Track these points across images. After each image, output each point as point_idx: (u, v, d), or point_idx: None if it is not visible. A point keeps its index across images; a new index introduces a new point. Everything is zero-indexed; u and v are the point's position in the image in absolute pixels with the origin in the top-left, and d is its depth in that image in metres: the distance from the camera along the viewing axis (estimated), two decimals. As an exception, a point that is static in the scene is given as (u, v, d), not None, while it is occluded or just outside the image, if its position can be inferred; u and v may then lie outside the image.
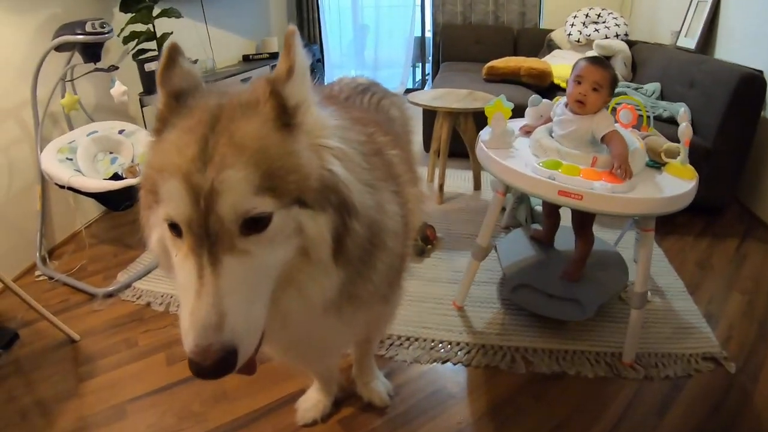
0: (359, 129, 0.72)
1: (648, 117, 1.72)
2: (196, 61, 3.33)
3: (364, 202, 0.61)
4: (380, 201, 0.65)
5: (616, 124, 1.54)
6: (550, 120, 1.60)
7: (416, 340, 1.66)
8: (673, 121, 2.54)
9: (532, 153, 1.52)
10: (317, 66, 4.86)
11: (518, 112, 1.70)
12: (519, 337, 1.67)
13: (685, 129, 1.43)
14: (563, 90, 3.43)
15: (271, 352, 0.84)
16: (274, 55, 4.16)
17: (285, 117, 0.56)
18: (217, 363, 0.48)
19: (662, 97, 2.87)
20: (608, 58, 3.61)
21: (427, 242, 2.15)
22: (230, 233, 0.51)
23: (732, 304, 1.88)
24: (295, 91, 0.57)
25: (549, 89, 3.36)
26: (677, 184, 1.39)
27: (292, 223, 0.55)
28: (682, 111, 1.47)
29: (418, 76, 5.34)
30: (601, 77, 1.41)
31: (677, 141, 1.47)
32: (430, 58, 5.04)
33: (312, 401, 1.31)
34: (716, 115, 2.31)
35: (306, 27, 5.06)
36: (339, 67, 5.31)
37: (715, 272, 2.10)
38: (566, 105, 1.49)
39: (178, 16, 2.64)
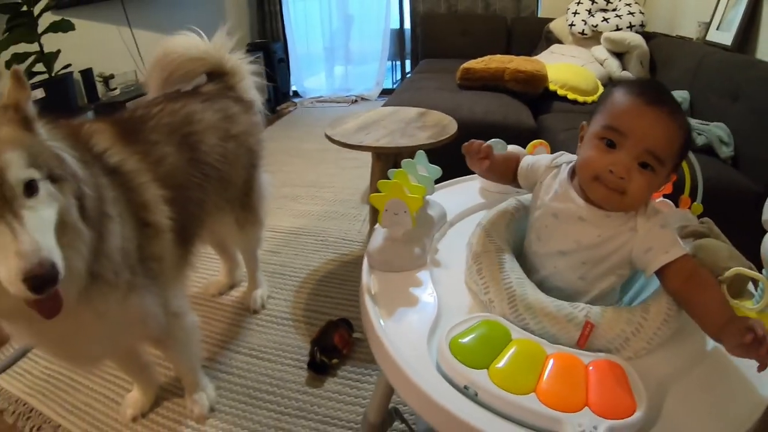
0: (73, 138, 0.93)
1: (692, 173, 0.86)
2: (110, 76, 2.76)
3: (78, 172, 0.84)
4: (90, 174, 0.88)
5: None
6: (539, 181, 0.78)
7: None
8: (710, 152, 1.84)
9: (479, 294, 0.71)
10: (280, 67, 4.17)
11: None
12: None
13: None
14: (561, 99, 2.63)
15: (32, 339, 0.96)
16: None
17: (28, 124, 0.80)
18: (47, 271, 0.67)
19: (692, 111, 2.17)
20: (620, 55, 2.91)
21: (332, 354, 1.33)
22: (19, 196, 0.71)
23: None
24: (31, 111, 0.82)
25: (542, 98, 2.64)
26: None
27: (50, 189, 0.77)
28: None
29: (399, 75, 4.63)
30: (668, 140, 0.63)
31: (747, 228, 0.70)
32: (410, 53, 4.34)
33: (132, 399, 1.33)
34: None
35: (268, 22, 4.37)
36: (307, 66, 4.63)
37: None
38: (570, 177, 0.72)
39: (69, 29, 2.30)
